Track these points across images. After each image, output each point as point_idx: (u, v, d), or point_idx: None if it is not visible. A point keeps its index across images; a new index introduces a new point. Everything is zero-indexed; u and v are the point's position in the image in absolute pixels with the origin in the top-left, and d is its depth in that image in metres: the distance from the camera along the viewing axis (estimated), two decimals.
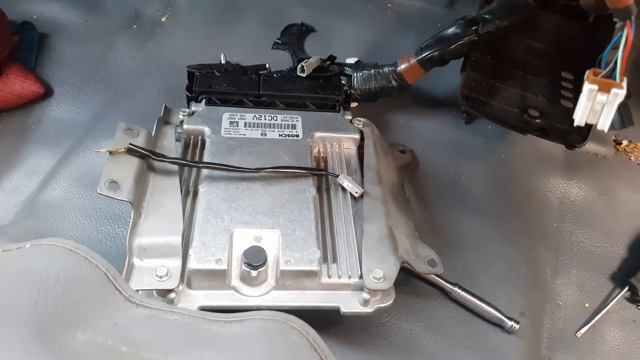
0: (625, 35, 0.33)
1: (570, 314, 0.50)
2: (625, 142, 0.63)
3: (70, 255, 0.28)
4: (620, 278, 0.52)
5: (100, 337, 0.25)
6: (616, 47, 0.34)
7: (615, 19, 0.34)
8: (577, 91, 0.56)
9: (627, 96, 0.35)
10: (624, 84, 0.34)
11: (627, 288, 0.51)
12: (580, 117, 0.35)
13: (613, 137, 0.63)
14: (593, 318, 0.50)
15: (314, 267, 0.39)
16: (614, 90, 0.34)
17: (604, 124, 0.35)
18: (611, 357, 0.48)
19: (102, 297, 0.27)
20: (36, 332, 0.23)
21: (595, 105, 0.34)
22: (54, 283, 0.26)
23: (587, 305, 0.51)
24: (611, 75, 0.34)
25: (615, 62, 0.33)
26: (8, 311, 0.23)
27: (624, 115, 0.37)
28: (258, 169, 0.45)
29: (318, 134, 0.50)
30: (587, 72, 0.35)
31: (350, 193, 0.46)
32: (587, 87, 0.34)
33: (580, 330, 0.49)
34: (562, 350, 0.48)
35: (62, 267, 0.27)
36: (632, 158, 0.62)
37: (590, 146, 0.61)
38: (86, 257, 0.28)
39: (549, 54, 0.61)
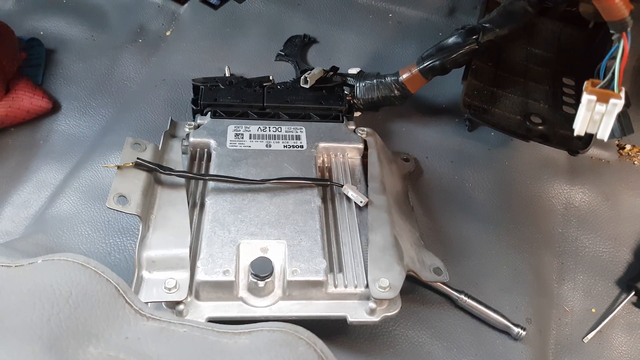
0: (622, 47, 0.33)
1: (576, 319, 0.50)
2: (628, 147, 0.63)
3: (82, 270, 0.28)
4: (627, 283, 0.52)
5: (112, 351, 0.25)
6: (614, 57, 0.34)
7: (611, 31, 0.34)
8: (578, 97, 0.56)
9: (627, 105, 0.35)
10: (622, 94, 0.34)
11: (633, 293, 0.51)
12: (580, 127, 0.36)
13: (616, 142, 0.63)
14: (600, 323, 0.50)
15: (321, 277, 0.40)
16: (612, 101, 0.34)
17: (603, 133, 0.35)
18: None
19: (113, 311, 0.27)
20: (50, 347, 0.24)
21: (595, 115, 0.35)
22: (66, 298, 0.26)
23: (593, 310, 0.51)
24: (609, 85, 0.35)
25: (613, 73, 0.34)
26: (23, 327, 0.24)
27: (623, 123, 0.37)
28: (263, 181, 0.45)
29: (322, 144, 0.51)
30: (585, 82, 0.36)
31: (355, 202, 0.46)
32: (586, 97, 0.35)
33: (587, 336, 0.49)
34: (570, 356, 0.48)
35: (73, 282, 0.27)
36: (635, 162, 0.62)
37: (593, 151, 0.62)
38: (97, 271, 0.29)
39: (550, 61, 0.61)
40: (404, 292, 0.41)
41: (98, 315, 0.27)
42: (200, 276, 0.39)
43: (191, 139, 0.49)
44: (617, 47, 0.34)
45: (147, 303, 0.38)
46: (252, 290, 0.40)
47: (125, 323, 0.27)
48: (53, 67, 0.66)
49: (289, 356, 0.26)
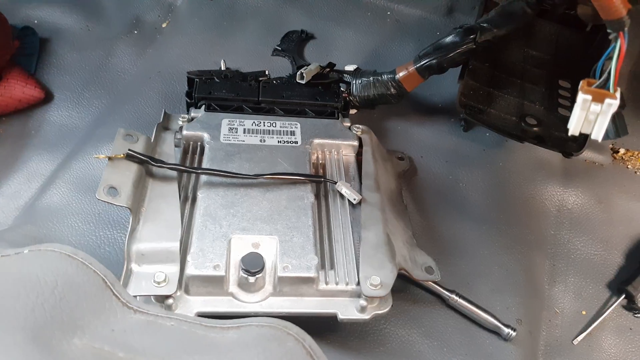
0: (618, 46, 0.33)
1: (567, 321, 0.50)
2: (622, 151, 0.63)
3: (69, 261, 0.28)
4: (617, 286, 0.53)
5: (97, 343, 0.25)
6: (611, 58, 0.34)
7: (609, 30, 0.34)
8: (574, 99, 0.56)
9: (622, 106, 0.35)
10: (618, 94, 0.34)
11: (623, 296, 0.51)
12: (574, 127, 0.36)
13: (610, 145, 0.63)
14: (590, 325, 0.50)
15: (312, 274, 0.40)
16: (607, 101, 0.34)
17: (598, 133, 0.35)
18: None
19: (99, 303, 0.27)
20: (33, 337, 0.23)
21: (590, 115, 0.35)
22: (51, 289, 0.26)
23: (584, 312, 0.51)
24: (605, 85, 0.35)
25: (609, 73, 0.34)
26: (5, 317, 0.24)
27: (618, 124, 0.37)
28: (256, 176, 0.45)
29: (317, 141, 0.50)
30: (581, 82, 0.35)
31: (349, 200, 0.46)
32: (581, 97, 0.35)
33: (577, 338, 0.49)
34: (559, 357, 0.48)
35: (59, 272, 0.27)
36: (629, 166, 0.62)
37: (587, 154, 0.62)
38: (84, 262, 0.28)
39: (547, 62, 0.61)
40: (395, 291, 0.41)
41: (84, 307, 0.26)
42: (190, 270, 0.39)
43: (184, 132, 0.49)
44: (614, 47, 0.34)
45: (135, 296, 0.37)
46: (243, 285, 0.40)
47: (111, 315, 0.27)
48: (46, 56, 0.65)
49: (277, 351, 0.26)
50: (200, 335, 0.27)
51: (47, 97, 0.61)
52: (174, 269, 0.39)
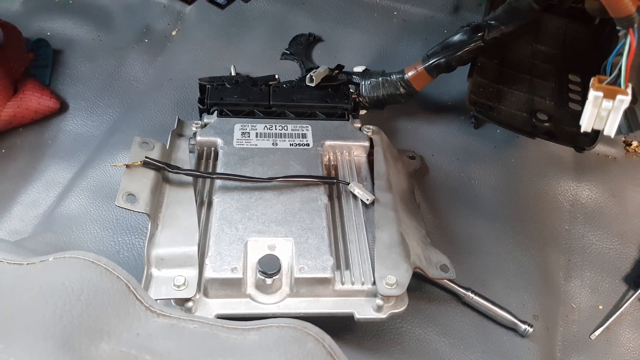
0: (628, 43, 0.33)
1: (584, 316, 0.50)
2: (635, 143, 0.63)
3: (92, 268, 0.29)
4: (634, 279, 0.52)
5: (124, 347, 0.25)
6: (620, 54, 0.34)
7: (618, 27, 0.34)
8: (584, 94, 0.56)
9: (633, 101, 0.35)
10: (629, 90, 0.34)
11: None
12: (586, 124, 0.36)
13: (623, 139, 0.63)
14: (607, 320, 0.50)
15: (328, 275, 0.40)
16: (619, 97, 0.34)
17: (610, 129, 0.35)
18: (626, 359, 0.48)
19: (124, 308, 0.28)
20: (63, 344, 0.24)
21: (601, 111, 0.35)
22: (77, 295, 0.27)
23: (600, 307, 0.51)
24: (616, 81, 0.35)
25: (620, 69, 0.34)
26: (36, 325, 0.24)
27: (630, 119, 0.37)
28: (270, 179, 0.45)
29: (328, 143, 0.51)
30: (592, 79, 0.36)
31: (361, 200, 0.46)
32: (593, 94, 0.35)
33: (595, 333, 0.49)
34: (577, 353, 0.48)
35: (85, 279, 0.28)
36: None
37: (600, 148, 0.61)
38: (107, 269, 0.29)
39: (555, 57, 0.61)
40: (411, 290, 0.41)
41: (109, 312, 0.27)
42: (208, 273, 0.39)
43: (198, 138, 0.50)
44: (624, 44, 0.34)
45: (156, 300, 0.38)
46: (260, 287, 0.40)
47: (136, 320, 0.27)
48: (60, 67, 0.66)
49: (298, 352, 0.26)
50: (223, 338, 0.27)
51: (62, 107, 0.62)
52: (193, 272, 0.40)
